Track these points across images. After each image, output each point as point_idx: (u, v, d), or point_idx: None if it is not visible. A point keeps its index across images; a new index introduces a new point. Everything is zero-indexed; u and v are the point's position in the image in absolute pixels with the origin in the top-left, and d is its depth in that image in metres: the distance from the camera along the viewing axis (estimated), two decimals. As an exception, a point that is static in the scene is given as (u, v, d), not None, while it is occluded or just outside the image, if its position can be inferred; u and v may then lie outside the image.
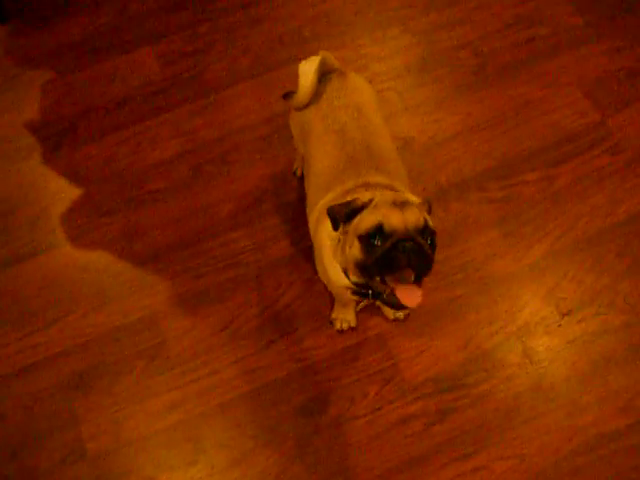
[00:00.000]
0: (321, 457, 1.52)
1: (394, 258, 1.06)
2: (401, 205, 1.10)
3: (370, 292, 1.18)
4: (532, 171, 1.81)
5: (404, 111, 1.92)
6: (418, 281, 1.10)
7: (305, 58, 1.37)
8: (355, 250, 1.12)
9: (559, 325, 1.62)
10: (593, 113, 1.89)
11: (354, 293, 1.26)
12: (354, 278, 1.18)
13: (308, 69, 1.34)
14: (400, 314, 1.63)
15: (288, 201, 1.81)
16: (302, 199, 1.81)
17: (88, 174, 1.90)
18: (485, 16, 2.07)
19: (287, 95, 1.43)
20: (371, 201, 1.13)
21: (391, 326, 1.64)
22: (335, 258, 1.23)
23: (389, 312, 1.63)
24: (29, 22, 2.20)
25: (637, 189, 1.77)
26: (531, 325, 1.62)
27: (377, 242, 1.08)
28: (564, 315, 1.63)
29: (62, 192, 1.88)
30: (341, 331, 1.64)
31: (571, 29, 2.04)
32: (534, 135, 1.86)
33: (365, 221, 1.10)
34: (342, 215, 1.14)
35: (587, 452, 1.49)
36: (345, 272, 1.21)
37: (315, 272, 1.71)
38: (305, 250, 1.74)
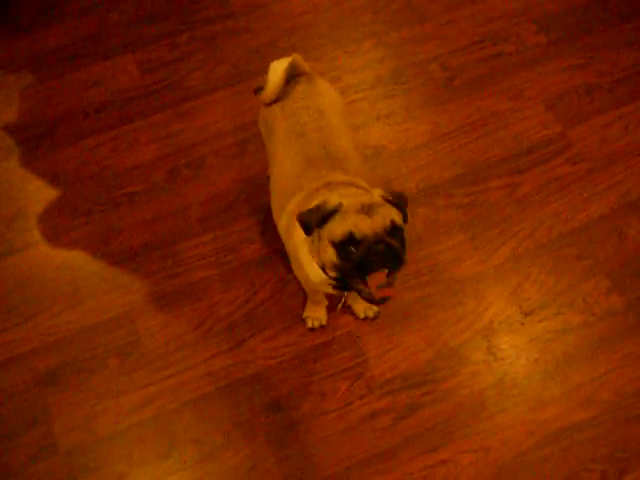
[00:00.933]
0: (292, 451, 1.55)
1: (369, 262, 1.15)
2: (368, 209, 1.17)
3: (348, 286, 1.25)
4: (497, 178, 1.89)
5: (375, 121, 2.00)
6: (392, 276, 1.18)
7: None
8: (331, 255, 1.19)
9: (522, 324, 1.69)
10: (555, 125, 1.99)
11: (334, 287, 1.32)
12: (332, 274, 1.24)
13: (278, 67, 1.41)
14: (370, 312, 1.68)
15: (261, 204, 1.86)
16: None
17: (66, 176, 1.93)
18: (454, 33, 2.18)
19: (257, 90, 1.50)
20: (340, 205, 1.19)
21: (361, 324, 1.69)
22: (313, 257, 1.28)
23: (359, 311, 1.68)
24: (12, 28, 2.24)
25: (595, 197, 1.87)
26: (495, 324, 1.69)
27: (351, 249, 1.15)
28: (527, 315, 1.70)
29: (40, 193, 1.90)
30: (312, 329, 1.68)
31: (535, 47, 2.15)
32: (499, 145, 1.95)
33: (337, 230, 1.17)
34: (315, 221, 1.19)
35: (549, 445, 1.55)
36: (323, 269, 1.26)
37: (288, 272, 1.75)
38: (277, 252, 1.79)
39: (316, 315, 1.67)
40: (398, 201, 1.22)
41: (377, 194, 1.22)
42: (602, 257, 1.78)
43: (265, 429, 1.57)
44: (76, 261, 1.79)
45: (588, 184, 1.89)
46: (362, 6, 2.25)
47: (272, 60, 2.11)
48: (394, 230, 1.17)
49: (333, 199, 1.20)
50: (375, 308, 1.68)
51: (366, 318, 1.69)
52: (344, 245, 1.16)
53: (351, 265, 1.16)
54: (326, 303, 1.67)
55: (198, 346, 1.66)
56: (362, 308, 1.68)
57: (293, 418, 1.58)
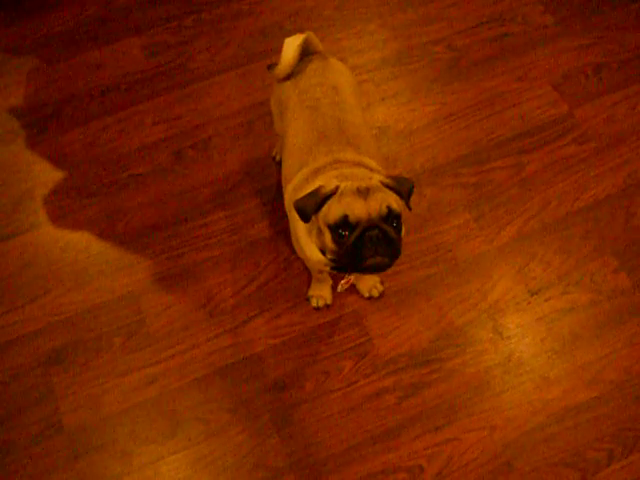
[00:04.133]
0: (296, 430, 1.55)
1: (362, 248, 1.13)
2: (365, 192, 1.14)
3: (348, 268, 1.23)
4: (503, 158, 1.88)
5: (381, 101, 1.99)
6: (391, 264, 1.16)
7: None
8: (327, 240, 1.18)
9: (528, 303, 1.68)
10: (561, 105, 1.97)
11: (333, 269, 1.31)
12: (330, 256, 1.23)
13: (292, 42, 1.40)
14: (375, 292, 1.68)
15: (267, 185, 1.86)
16: (280, 183, 1.86)
17: (72, 158, 1.93)
18: (459, 13, 2.16)
19: (270, 66, 1.50)
20: (337, 189, 1.17)
21: (366, 304, 1.68)
22: (311, 238, 1.28)
23: (364, 290, 1.68)
24: (17, 12, 2.25)
25: (602, 176, 1.85)
26: (501, 303, 1.68)
27: (344, 233, 1.14)
28: (533, 294, 1.69)
29: (46, 174, 1.91)
30: (317, 308, 1.68)
31: (541, 27, 2.13)
32: (505, 125, 1.94)
33: (331, 212, 1.15)
34: (311, 207, 1.17)
35: (555, 423, 1.54)
36: (322, 250, 1.25)
37: (292, 252, 1.75)
38: (282, 232, 1.78)
39: (321, 294, 1.66)
40: (399, 187, 1.19)
41: (377, 179, 1.19)
42: (609, 236, 1.76)
43: (269, 408, 1.57)
44: (81, 242, 1.80)
45: (595, 164, 1.87)
46: (367, -13, 2.24)
47: (277, 42, 2.12)
48: (390, 216, 1.14)
49: (330, 183, 1.18)
50: (380, 287, 1.68)
51: (371, 297, 1.68)
52: (338, 228, 1.14)
53: (344, 251, 1.14)
54: (330, 282, 1.66)
55: (202, 325, 1.66)
56: (367, 287, 1.67)
57: (297, 397, 1.58)
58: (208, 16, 2.18)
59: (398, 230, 1.16)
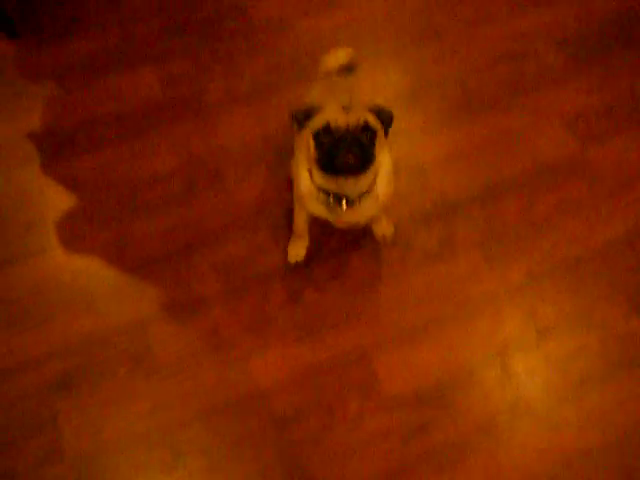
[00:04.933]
0: (300, 467, 1.53)
1: (337, 148, 1.31)
2: (347, 109, 1.33)
3: (331, 197, 1.43)
4: (514, 197, 1.88)
5: (393, 137, 2.00)
6: (363, 169, 1.35)
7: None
8: (312, 148, 1.35)
9: (537, 344, 1.66)
10: (573, 145, 1.98)
11: (319, 199, 1.47)
12: (317, 180, 1.42)
13: (340, 52, 1.73)
14: (387, 232, 1.79)
15: (277, 216, 1.87)
16: (290, 213, 1.87)
17: (85, 183, 1.95)
18: (472, 51, 2.18)
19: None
20: (326, 105, 1.36)
21: (373, 339, 1.67)
22: (306, 161, 1.46)
23: (378, 231, 1.80)
24: (39, 39, 2.30)
25: (613, 217, 1.84)
26: (510, 343, 1.66)
27: (324, 139, 1.32)
28: (542, 335, 1.67)
29: (59, 199, 1.92)
30: (294, 264, 1.79)
31: (554, 66, 2.15)
32: (517, 163, 1.94)
33: (316, 121, 1.34)
34: (304, 116, 1.37)
35: (562, 469, 1.51)
36: (310, 174, 1.45)
37: (300, 285, 1.75)
38: (293, 264, 1.79)
39: (296, 252, 1.77)
40: (380, 114, 1.37)
41: (362, 104, 1.37)
42: (619, 278, 1.75)
43: (273, 443, 1.55)
44: (91, 267, 1.80)
45: (605, 204, 1.87)
46: (382, 25, 2.27)
47: (292, 76, 2.15)
48: (366, 130, 1.32)
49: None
50: (391, 228, 1.80)
51: (384, 239, 1.81)
52: (319, 135, 1.32)
53: (324, 152, 1.32)
54: (307, 243, 1.78)
55: (208, 356, 1.66)
56: (381, 232, 1.79)
57: (301, 433, 1.56)
58: (224, 48, 2.22)
59: (372, 141, 1.34)
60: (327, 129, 1.31)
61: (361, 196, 1.43)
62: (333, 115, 1.31)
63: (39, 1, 2.41)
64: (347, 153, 1.30)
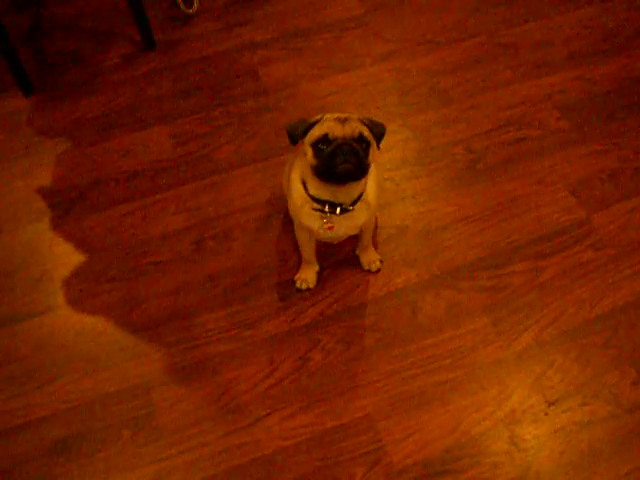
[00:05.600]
0: (304, 540, 1.49)
1: (335, 156, 1.40)
2: (343, 121, 1.43)
3: (327, 206, 1.53)
4: (520, 262, 1.89)
5: (400, 201, 2.02)
6: (359, 177, 1.47)
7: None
8: (309, 157, 1.45)
9: (546, 414, 1.64)
10: (578, 210, 2.00)
11: (314, 208, 1.55)
12: (311, 190, 1.53)
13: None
14: (373, 266, 1.85)
15: (284, 280, 1.87)
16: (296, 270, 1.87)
17: (93, 241, 1.97)
18: (478, 116, 2.23)
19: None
20: (322, 118, 1.45)
21: (379, 407, 1.65)
22: (301, 173, 1.55)
23: (364, 263, 1.86)
24: (52, 96, 2.35)
25: (620, 284, 1.85)
26: (518, 413, 1.64)
27: (323, 147, 1.42)
28: (551, 404, 1.65)
29: (66, 256, 1.93)
30: (299, 290, 1.83)
31: (557, 132, 2.19)
32: (523, 229, 1.96)
33: (315, 132, 1.44)
34: (300, 129, 1.46)
35: None
36: (304, 186, 1.54)
37: (308, 349, 1.74)
38: (299, 328, 1.78)
39: (306, 277, 1.82)
40: (373, 127, 1.48)
41: (356, 116, 1.48)
42: (628, 346, 1.74)
43: (277, 514, 1.52)
44: (97, 327, 1.80)
45: (613, 270, 1.88)
46: (389, 89, 2.32)
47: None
48: (361, 140, 1.43)
49: (317, 116, 1.47)
50: (378, 264, 1.85)
51: (369, 271, 1.86)
52: (318, 144, 1.42)
53: (322, 159, 1.41)
54: (317, 268, 1.84)
55: (213, 422, 1.64)
56: (367, 261, 1.85)
57: (307, 503, 1.53)
58: (235, 109, 2.27)
59: (366, 152, 1.45)
60: (325, 139, 1.42)
61: (354, 203, 1.55)
62: (330, 126, 1.42)
63: (55, 58, 2.48)
64: (345, 161, 1.40)
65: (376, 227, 1.96)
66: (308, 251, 1.79)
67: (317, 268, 1.86)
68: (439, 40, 2.49)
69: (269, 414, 1.64)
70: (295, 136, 1.48)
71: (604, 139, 2.17)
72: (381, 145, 2.05)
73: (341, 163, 1.41)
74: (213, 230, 1.97)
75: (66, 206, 2.06)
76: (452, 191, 2.04)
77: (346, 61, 2.43)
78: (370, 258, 1.86)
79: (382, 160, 2.11)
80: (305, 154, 1.47)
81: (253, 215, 2.00)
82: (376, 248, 1.91)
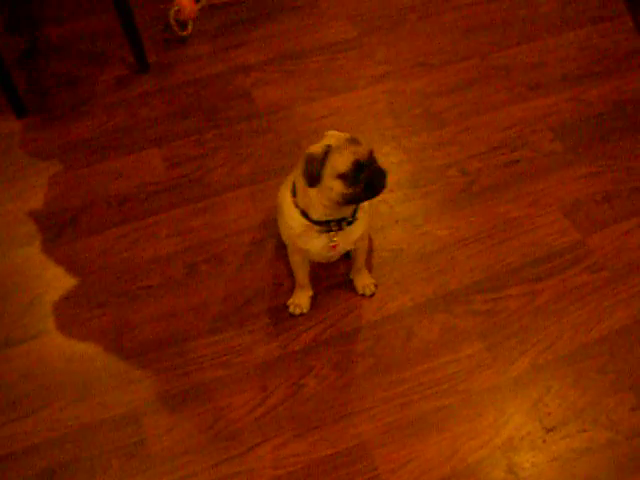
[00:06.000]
0: None
1: (374, 178, 1.41)
2: (355, 140, 1.40)
3: (333, 224, 1.52)
4: (516, 286, 1.87)
5: (394, 224, 2.01)
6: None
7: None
8: (339, 188, 1.39)
9: (544, 441, 1.61)
10: (573, 232, 1.99)
11: (319, 231, 1.54)
12: (316, 216, 1.50)
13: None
14: (368, 290, 1.83)
15: (277, 305, 1.85)
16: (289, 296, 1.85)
17: (85, 265, 1.94)
18: (472, 139, 2.23)
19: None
20: (329, 146, 1.39)
21: (375, 435, 1.62)
22: (298, 203, 1.52)
23: (359, 287, 1.84)
24: (45, 118, 2.34)
25: (616, 306, 1.83)
26: (516, 440, 1.61)
27: (358, 175, 1.38)
28: (548, 431, 1.63)
29: (58, 281, 1.91)
30: (293, 315, 1.81)
31: (551, 154, 2.19)
32: (517, 251, 1.95)
33: (340, 163, 1.37)
34: (317, 167, 1.38)
35: None
36: (304, 214, 1.51)
37: (301, 376, 1.71)
38: (292, 354, 1.75)
39: (299, 302, 1.80)
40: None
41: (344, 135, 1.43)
42: (626, 370, 1.72)
43: None
44: (87, 353, 1.77)
45: (609, 293, 1.86)
46: (382, 111, 2.33)
47: (293, 159, 2.18)
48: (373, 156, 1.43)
49: (316, 146, 1.40)
50: (373, 288, 1.84)
51: (363, 295, 1.85)
52: (351, 173, 1.37)
53: (363, 187, 1.39)
54: (310, 293, 1.81)
55: (205, 451, 1.60)
56: (362, 285, 1.83)
57: (300, 535, 1.49)
58: (228, 131, 2.26)
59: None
60: (358, 165, 1.38)
61: (355, 211, 1.56)
62: (355, 151, 1.38)
63: (49, 80, 2.48)
64: (383, 183, 1.42)
65: (371, 250, 1.94)
66: (302, 274, 1.77)
67: (311, 293, 1.84)
68: (432, 62, 2.50)
69: (262, 442, 1.61)
70: (317, 178, 1.40)
71: (598, 161, 2.17)
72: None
73: (383, 179, 1.42)
74: (206, 254, 1.96)
75: (58, 229, 2.04)
76: (446, 213, 2.03)
77: (340, 83, 2.43)
78: (364, 282, 1.85)
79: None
80: (331, 189, 1.40)
81: (246, 239, 1.99)
82: (370, 272, 1.89)
